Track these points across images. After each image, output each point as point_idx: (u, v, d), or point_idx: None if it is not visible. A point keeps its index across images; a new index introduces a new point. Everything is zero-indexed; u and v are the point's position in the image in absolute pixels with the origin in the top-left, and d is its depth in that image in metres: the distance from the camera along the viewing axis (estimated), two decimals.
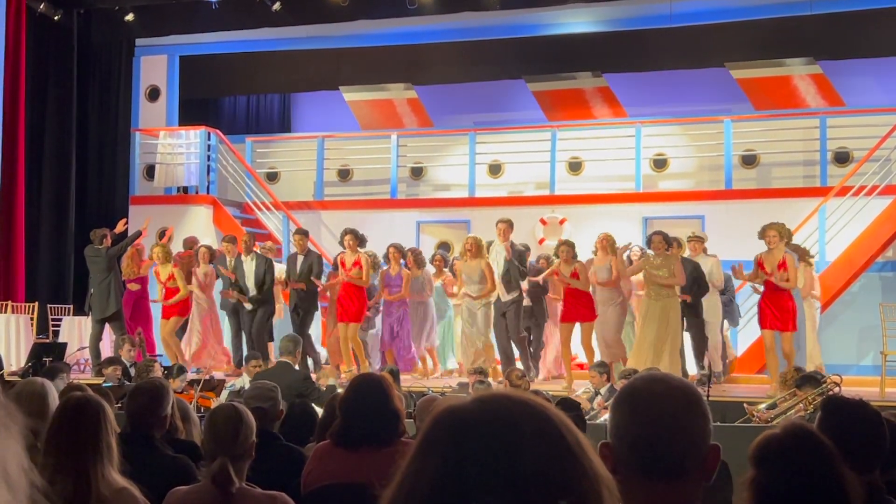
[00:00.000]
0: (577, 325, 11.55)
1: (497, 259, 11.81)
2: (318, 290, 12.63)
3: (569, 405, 6.23)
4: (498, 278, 11.71)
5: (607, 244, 11.51)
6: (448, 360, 13.29)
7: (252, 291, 12.35)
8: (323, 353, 13.05)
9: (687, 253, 11.61)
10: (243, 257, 12.49)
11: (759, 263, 10.78)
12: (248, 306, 12.32)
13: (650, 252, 11.19)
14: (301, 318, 12.35)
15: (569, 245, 11.64)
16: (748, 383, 11.88)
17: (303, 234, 12.78)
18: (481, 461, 1.14)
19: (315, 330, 13.06)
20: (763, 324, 10.82)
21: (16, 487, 1.11)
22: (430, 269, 13.09)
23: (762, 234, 10.84)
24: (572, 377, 11.47)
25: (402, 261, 12.50)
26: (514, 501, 1.12)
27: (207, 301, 13.07)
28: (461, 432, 1.17)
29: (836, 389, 8.34)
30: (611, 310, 11.45)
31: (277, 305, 12.98)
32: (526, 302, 12.24)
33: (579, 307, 11.43)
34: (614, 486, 1.21)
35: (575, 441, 1.19)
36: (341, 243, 12.31)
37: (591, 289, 11.59)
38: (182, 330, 13.19)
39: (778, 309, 10.66)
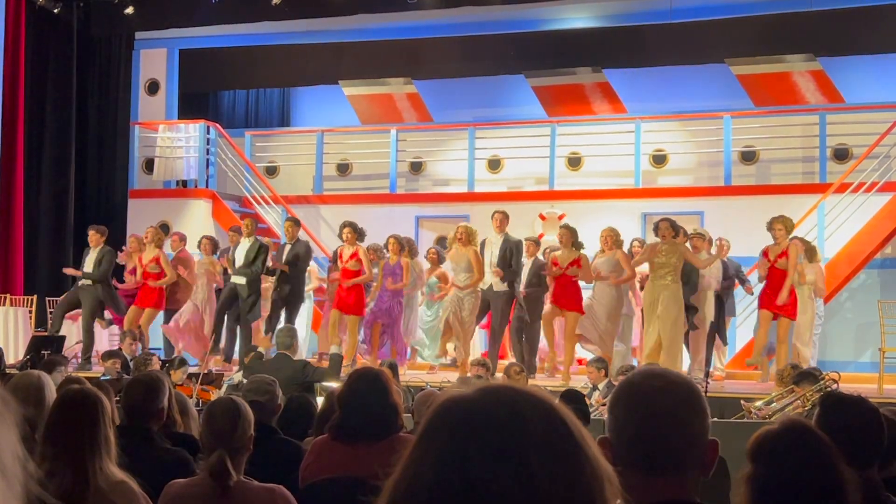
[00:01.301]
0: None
1: (493, 250, 11.77)
2: (307, 286, 12.71)
3: (573, 397, 6.21)
4: (489, 268, 11.66)
5: (612, 239, 11.48)
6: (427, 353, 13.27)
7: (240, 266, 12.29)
8: (313, 339, 13.12)
9: None
10: (242, 240, 12.47)
11: (765, 254, 10.86)
12: (239, 280, 12.26)
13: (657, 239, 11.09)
14: (287, 310, 12.35)
15: (569, 230, 11.57)
16: (746, 379, 11.88)
17: (293, 222, 12.82)
18: (485, 451, 1.13)
19: (304, 318, 13.06)
20: (762, 304, 10.87)
21: (10, 475, 1.11)
22: (425, 262, 13.09)
23: (769, 226, 10.89)
24: (556, 357, 11.55)
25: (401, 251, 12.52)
26: (519, 492, 1.12)
27: (206, 292, 13.06)
28: (465, 422, 1.16)
29: (834, 386, 8.35)
30: (606, 307, 11.43)
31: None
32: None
33: (567, 296, 11.34)
34: (615, 477, 1.21)
35: (578, 432, 1.19)
36: (340, 236, 12.31)
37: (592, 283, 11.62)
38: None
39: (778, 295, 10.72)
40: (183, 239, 13.41)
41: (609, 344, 11.36)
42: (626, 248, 11.97)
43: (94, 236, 12.77)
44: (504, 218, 11.90)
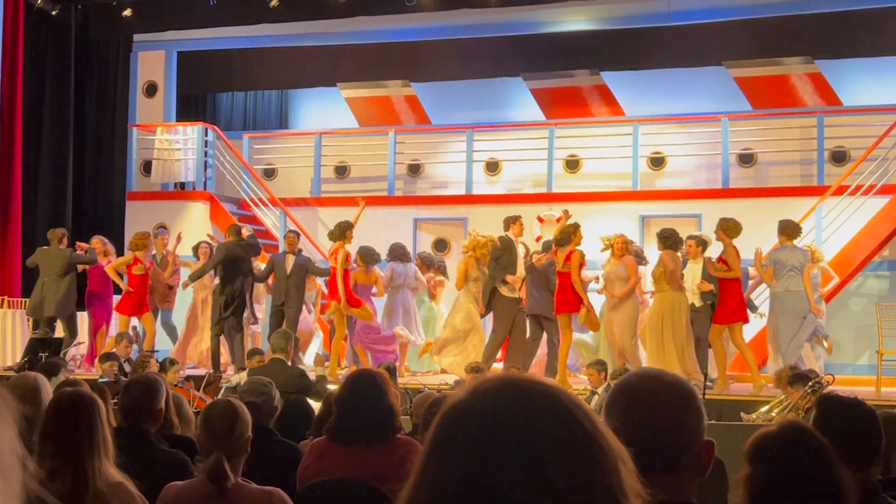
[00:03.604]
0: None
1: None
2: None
3: None
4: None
5: (625, 246, 11.46)
6: (425, 359, 13.33)
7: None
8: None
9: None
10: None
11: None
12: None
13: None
14: (289, 315, 12.40)
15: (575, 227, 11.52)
16: (742, 382, 11.87)
17: (296, 234, 12.97)
18: (504, 459, 1.14)
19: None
20: (717, 319, 10.98)
21: (9, 473, 1.11)
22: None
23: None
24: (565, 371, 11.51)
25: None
26: (540, 494, 1.12)
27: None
28: (480, 430, 1.16)
29: (828, 388, 8.36)
30: (620, 312, 11.39)
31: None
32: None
33: (566, 295, 11.24)
34: (628, 457, 1.23)
35: (589, 421, 1.20)
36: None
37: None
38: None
39: (721, 303, 10.75)
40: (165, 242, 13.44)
41: (632, 359, 11.25)
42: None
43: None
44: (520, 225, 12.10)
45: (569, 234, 11.33)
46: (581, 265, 11.24)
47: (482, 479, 1.13)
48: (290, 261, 12.49)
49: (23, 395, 4.11)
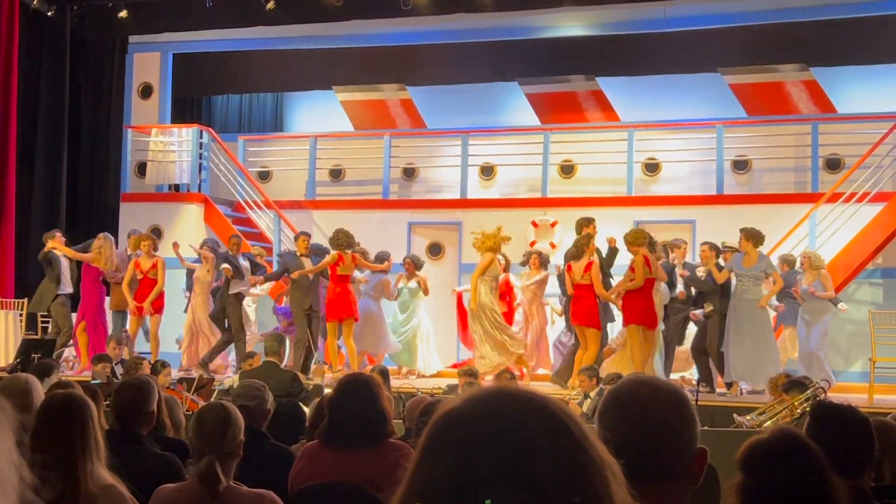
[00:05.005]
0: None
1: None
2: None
3: None
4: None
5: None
6: (416, 362, 13.39)
7: None
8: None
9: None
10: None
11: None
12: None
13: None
14: (312, 317, 12.44)
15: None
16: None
17: (308, 235, 13.01)
18: (493, 464, 1.14)
19: None
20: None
21: (5, 483, 1.10)
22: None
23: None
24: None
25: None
26: (529, 498, 1.12)
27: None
28: (471, 436, 1.17)
29: (823, 395, 8.37)
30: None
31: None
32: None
33: (581, 308, 11.32)
34: (618, 469, 1.23)
35: (579, 431, 1.20)
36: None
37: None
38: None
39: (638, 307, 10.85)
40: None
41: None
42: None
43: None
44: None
45: (582, 248, 11.37)
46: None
47: (471, 484, 1.13)
48: (308, 264, 12.50)
49: (14, 398, 4.10)
